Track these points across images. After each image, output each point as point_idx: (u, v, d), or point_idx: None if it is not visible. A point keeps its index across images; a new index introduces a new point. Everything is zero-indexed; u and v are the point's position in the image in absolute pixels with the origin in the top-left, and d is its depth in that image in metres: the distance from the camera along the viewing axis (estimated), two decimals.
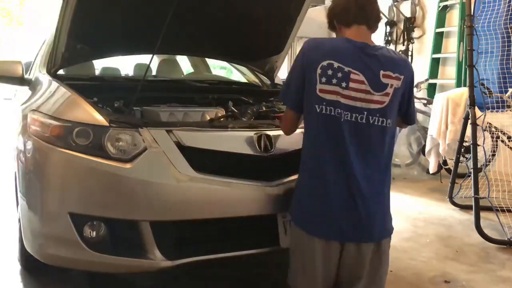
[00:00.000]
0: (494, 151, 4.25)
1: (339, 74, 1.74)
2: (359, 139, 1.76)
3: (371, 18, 1.87)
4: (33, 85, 2.72)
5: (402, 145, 5.33)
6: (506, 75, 3.74)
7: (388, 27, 6.99)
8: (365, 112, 1.75)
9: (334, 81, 1.73)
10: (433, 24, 6.39)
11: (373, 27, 1.88)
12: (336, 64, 1.75)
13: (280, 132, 2.29)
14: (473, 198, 3.41)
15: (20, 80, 2.82)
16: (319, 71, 1.75)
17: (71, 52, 2.59)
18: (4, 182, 3.90)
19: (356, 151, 1.75)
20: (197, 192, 2.00)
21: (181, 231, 2.08)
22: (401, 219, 3.69)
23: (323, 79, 1.74)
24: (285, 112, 1.98)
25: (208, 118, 2.38)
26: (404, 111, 1.91)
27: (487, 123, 3.71)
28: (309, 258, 1.78)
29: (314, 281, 1.78)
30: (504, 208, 3.52)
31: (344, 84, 1.73)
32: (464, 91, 4.19)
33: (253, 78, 3.67)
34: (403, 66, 1.83)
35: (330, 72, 1.74)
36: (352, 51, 1.78)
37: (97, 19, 2.51)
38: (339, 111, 1.74)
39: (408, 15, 6.74)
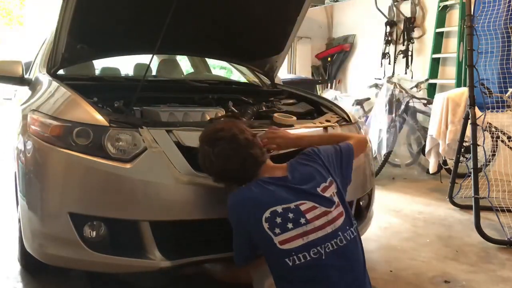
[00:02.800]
0: (494, 151, 4.25)
1: (290, 215, 1.57)
2: (349, 267, 1.61)
3: (259, 165, 1.74)
4: (33, 85, 2.73)
5: (402, 145, 5.33)
6: (506, 75, 3.73)
7: (388, 27, 7.00)
8: (339, 232, 1.61)
9: (290, 225, 1.55)
10: (433, 24, 6.40)
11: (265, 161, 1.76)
12: (279, 208, 1.58)
13: None
14: (473, 198, 3.41)
15: (20, 80, 2.82)
16: (266, 225, 1.56)
17: (71, 52, 2.59)
18: (4, 182, 3.90)
19: (343, 276, 1.60)
20: (197, 192, 2.00)
21: (181, 231, 2.08)
22: (401, 219, 3.69)
23: (277, 230, 1.55)
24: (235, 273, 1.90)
25: (208, 118, 2.38)
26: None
27: (487, 123, 3.70)
28: None
29: None
30: (504, 208, 3.51)
31: (303, 220, 1.56)
32: (464, 91, 4.19)
33: (253, 78, 3.66)
34: (320, 163, 1.72)
35: (279, 219, 1.56)
36: (281, 187, 1.64)
37: (97, 19, 2.51)
38: (316, 250, 1.55)
39: (408, 15, 6.74)
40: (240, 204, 1.65)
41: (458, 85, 5.71)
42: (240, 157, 1.73)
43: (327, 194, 1.67)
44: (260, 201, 1.61)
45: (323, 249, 1.56)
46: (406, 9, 6.81)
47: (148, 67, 2.46)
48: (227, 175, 1.76)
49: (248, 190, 1.69)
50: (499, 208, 3.49)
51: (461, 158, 4.21)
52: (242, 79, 3.94)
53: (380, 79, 6.22)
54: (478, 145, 3.51)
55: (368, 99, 6.06)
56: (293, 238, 1.54)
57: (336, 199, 1.68)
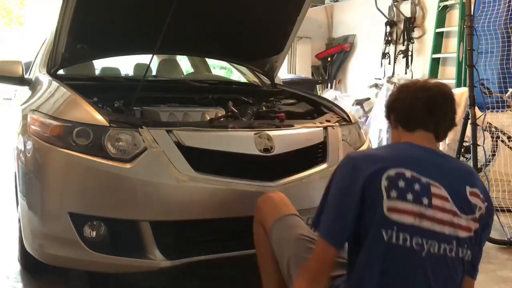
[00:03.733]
0: (494, 151, 4.25)
1: (416, 186, 1.27)
2: (443, 282, 1.29)
3: (442, 125, 1.44)
4: (33, 85, 2.72)
5: None
6: (506, 75, 3.74)
7: (388, 27, 7.00)
8: (454, 242, 1.28)
9: (410, 196, 1.25)
10: (433, 24, 6.40)
11: (443, 138, 1.46)
12: (408, 173, 1.28)
13: (280, 132, 2.29)
14: None
15: (20, 80, 2.82)
16: (384, 183, 1.26)
17: (71, 52, 2.59)
18: (4, 182, 3.90)
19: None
20: (197, 192, 2.00)
21: (181, 231, 2.08)
22: None
23: (393, 193, 1.25)
24: (322, 248, 1.35)
25: (208, 118, 2.38)
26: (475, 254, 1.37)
27: (487, 123, 3.70)
28: None
29: None
30: (504, 208, 3.52)
31: (426, 201, 1.26)
32: (464, 91, 4.19)
33: (253, 78, 3.66)
34: (484, 187, 1.40)
35: (402, 183, 1.26)
36: (423, 156, 1.35)
37: (97, 19, 2.51)
38: (420, 241, 1.25)
39: (408, 15, 6.74)
40: (367, 158, 1.36)
41: (458, 85, 5.71)
42: (440, 106, 1.45)
43: (473, 200, 1.34)
44: (393, 156, 1.34)
45: (427, 246, 1.25)
46: (406, 9, 6.80)
47: (148, 67, 2.46)
48: (406, 103, 1.45)
49: (383, 147, 1.46)
50: (499, 208, 3.49)
51: (461, 158, 4.21)
52: (242, 79, 3.93)
53: (380, 79, 6.23)
54: (478, 145, 3.51)
55: (368, 99, 6.07)
56: (406, 212, 1.25)
57: (478, 213, 1.34)
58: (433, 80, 1.52)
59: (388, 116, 1.52)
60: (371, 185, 1.28)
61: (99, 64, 3.65)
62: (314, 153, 2.34)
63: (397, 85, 5.30)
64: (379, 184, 1.27)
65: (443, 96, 1.46)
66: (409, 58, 6.68)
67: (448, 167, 1.37)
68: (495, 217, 3.31)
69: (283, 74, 6.81)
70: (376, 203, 1.27)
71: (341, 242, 1.35)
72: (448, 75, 6.25)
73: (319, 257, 1.36)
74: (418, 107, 1.42)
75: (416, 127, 1.43)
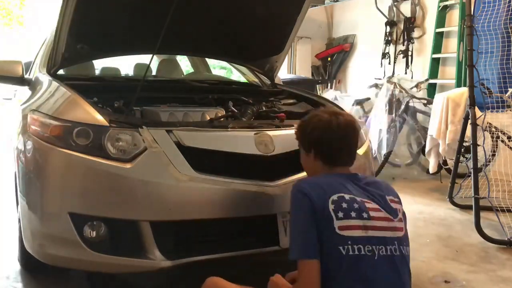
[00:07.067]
0: (494, 151, 4.25)
1: (355, 205, 1.52)
2: (393, 280, 1.51)
3: (354, 159, 1.73)
4: (33, 85, 2.73)
5: (402, 145, 5.33)
6: (506, 75, 3.74)
7: (388, 27, 6.99)
8: (396, 242, 1.54)
9: (354, 214, 1.50)
10: (433, 24, 6.40)
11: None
12: (347, 196, 1.54)
13: (280, 132, 2.29)
14: (473, 198, 3.41)
15: (20, 80, 2.83)
16: (331, 206, 1.51)
17: (71, 52, 2.59)
18: (4, 182, 3.90)
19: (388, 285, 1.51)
20: (197, 192, 2.01)
21: (181, 231, 2.08)
22: None
23: (340, 214, 1.50)
24: (304, 268, 1.49)
25: (208, 118, 2.38)
26: None
27: (487, 123, 3.70)
28: None
29: None
30: (504, 208, 3.51)
31: (365, 215, 1.52)
32: (464, 91, 4.19)
33: (253, 78, 3.66)
34: (396, 192, 1.69)
35: (344, 205, 1.52)
36: (349, 182, 1.61)
37: (97, 19, 2.51)
38: (370, 248, 1.49)
39: (408, 15, 6.74)
40: (312, 185, 1.57)
41: (458, 85, 5.71)
42: (352, 142, 1.73)
43: (393, 206, 1.61)
44: (330, 185, 1.57)
45: (377, 250, 1.49)
46: (406, 9, 6.80)
47: (148, 67, 2.46)
48: (332, 146, 1.69)
49: (319, 177, 1.67)
50: (499, 208, 3.49)
51: (461, 158, 4.21)
52: (242, 79, 3.93)
53: (380, 79, 6.22)
54: (478, 145, 3.51)
55: (368, 99, 6.06)
56: (354, 227, 1.49)
57: (400, 215, 1.62)
58: (340, 113, 1.74)
59: (308, 148, 1.74)
60: (322, 207, 1.51)
61: (99, 64, 3.65)
62: None
63: (397, 85, 5.30)
64: (328, 208, 1.51)
65: (354, 129, 1.72)
66: (409, 58, 6.68)
67: (370, 185, 1.63)
68: (495, 217, 3.36)
69: (283, 74, 6.82)
70: (329, 225, 1.49)
71: (316, 252, 1.50)
72: (448, 75, 6.25)
73: (306, 279, 1.49)
74: (343, 150, 1.69)
75: (337, 165, 1.69)
